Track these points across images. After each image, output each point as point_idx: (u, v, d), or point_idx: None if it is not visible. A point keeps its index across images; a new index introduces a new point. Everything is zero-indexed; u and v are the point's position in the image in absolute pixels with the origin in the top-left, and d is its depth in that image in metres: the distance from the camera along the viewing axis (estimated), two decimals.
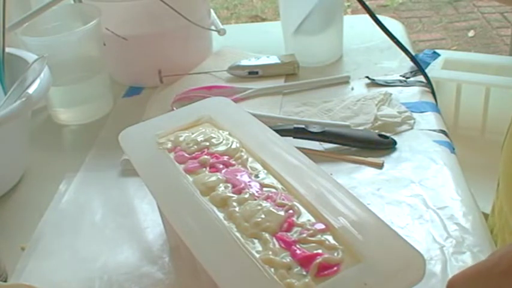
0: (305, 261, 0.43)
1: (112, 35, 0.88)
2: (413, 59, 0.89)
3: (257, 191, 0.50)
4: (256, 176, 0.52)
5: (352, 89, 0.86)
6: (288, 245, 0.44)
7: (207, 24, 0.97)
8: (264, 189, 0.50)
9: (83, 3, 0.91)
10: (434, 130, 0.75)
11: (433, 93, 0.85)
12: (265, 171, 0.53)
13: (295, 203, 0.48)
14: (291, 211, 0.47)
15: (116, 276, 0.58)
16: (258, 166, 0.53)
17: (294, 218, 0.47)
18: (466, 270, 0.43)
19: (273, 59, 0.92)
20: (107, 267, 0.59)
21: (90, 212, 0.67)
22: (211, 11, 1.00)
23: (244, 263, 0.43)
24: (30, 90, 0.69)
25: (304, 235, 0.45)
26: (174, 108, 0.81)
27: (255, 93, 0.86)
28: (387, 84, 0.86)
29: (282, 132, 0.67)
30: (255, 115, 0.62)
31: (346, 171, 0.69)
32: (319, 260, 0.42)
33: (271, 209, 0.48)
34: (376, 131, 0.75)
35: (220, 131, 0.59)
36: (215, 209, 0.49)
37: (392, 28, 0.89)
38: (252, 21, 3.04)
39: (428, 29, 2.98)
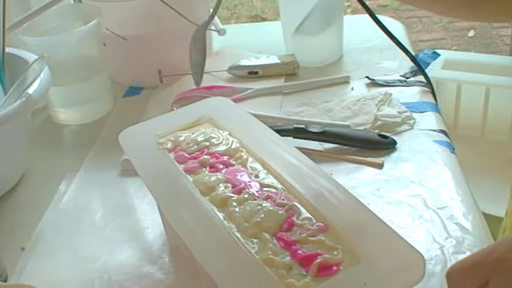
0: (305, 261, 0.43)
1: (112, 35, 0.88)
2: (413, 59, 0.89)
3: (257, 191, 0.50)
4: (256, 176, 0.52)
5: (352, 89, 0.86)
6: (288, 245, 0.44)
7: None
8: (264, 189, 0.50)
9: (83, 3, 0.91)
10: (434, 130, 0.75)
11: (433, 93, 0.85)
12: (265, 171, 0.53)
13: (295, 203, 0.48)
14: (291, 211, 0.47)
15: (116, 276, 0.58)
16: (258, 166, 0.53)
17: (294, 218, 0.47)
18: (463, 260, 0.44)
19: (273, 59, 0.92)
20: (107, 267, 0.59)
21: (90, 212, 0.67)
22: (211, 11, 1.00)
23: (244, 263, 0.43)
24: (30, 90, 0.69)
25: (304, 235, 0.45)
26: (174, 108, 0.81)
27: (255, 93, 0.86)
28: (387, 84, 0.85)
29: (282, 132, 0.67)
30: (255, 115, 0.62)
31: (346, 171, 0.69)
32: (319, 260, 0.42)
33: (271, 209, 0.48)
34: (376, 131, 0.74)
35: (220, 131, 0.59)
36: (215, 209, 0.49)
37: (392, 28, 0.89)
38: (252, 21, 3.03)
39: (428, 29, 2.98)
